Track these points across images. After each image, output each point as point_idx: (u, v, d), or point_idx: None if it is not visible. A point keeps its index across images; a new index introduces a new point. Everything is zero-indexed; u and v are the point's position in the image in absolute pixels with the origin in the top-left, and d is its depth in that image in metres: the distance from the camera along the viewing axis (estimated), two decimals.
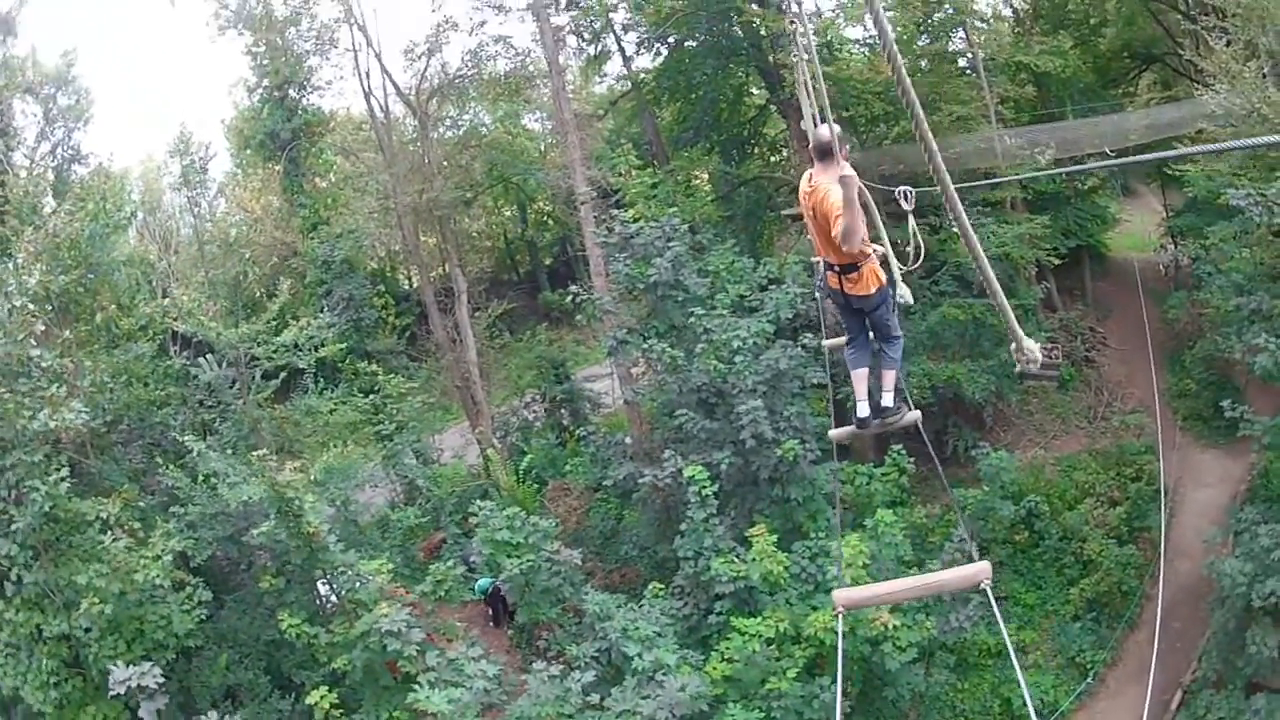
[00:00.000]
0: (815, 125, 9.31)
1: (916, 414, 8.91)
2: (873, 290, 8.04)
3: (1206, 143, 29.32)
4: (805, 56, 11.57)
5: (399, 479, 33.67)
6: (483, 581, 28.42)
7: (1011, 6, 47.01)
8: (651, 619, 22.35)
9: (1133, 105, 47.44)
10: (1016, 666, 5.78)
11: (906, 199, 9.06)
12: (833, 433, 9.93)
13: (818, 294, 9.08)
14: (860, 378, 8.80)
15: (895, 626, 21.60)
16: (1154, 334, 38.99)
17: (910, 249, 9.33)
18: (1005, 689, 26.63)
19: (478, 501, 25.71)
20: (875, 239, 8.19)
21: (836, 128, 7.55)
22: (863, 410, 8.75)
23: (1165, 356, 38.31)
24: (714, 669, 21.31)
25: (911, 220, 9.20)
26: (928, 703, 25.44)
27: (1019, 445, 34.33)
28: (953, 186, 5.28)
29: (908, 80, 2.70)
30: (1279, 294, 24.68)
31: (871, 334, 8.70)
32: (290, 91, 42.83)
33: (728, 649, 21.45)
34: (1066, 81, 41.00)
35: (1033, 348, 8.99)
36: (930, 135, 3.83)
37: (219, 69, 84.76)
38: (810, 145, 7.90)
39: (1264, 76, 25.03)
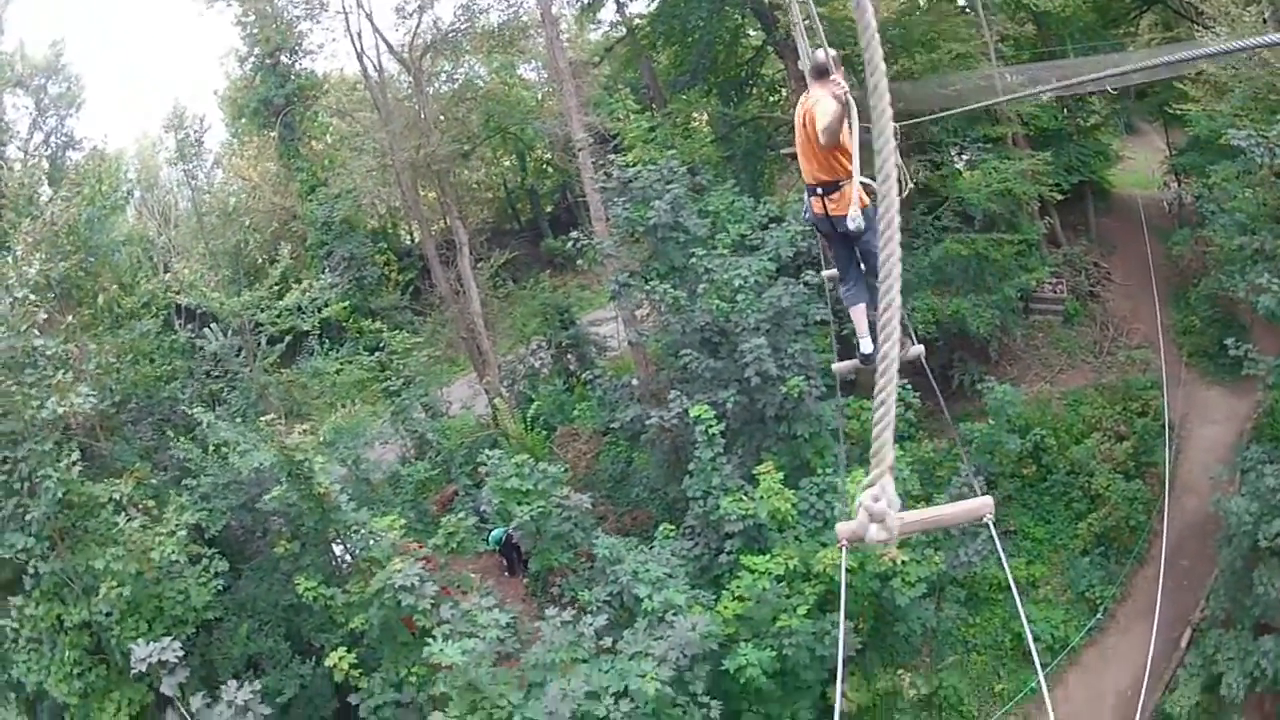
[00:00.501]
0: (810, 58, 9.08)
1: (920, 348, 8.79)
2: (855, 210, 7.91)
3: (1207, 85, 29.26)
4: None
5: (408, 434, 33.80)
6: (496, 531, 28.54)
7: None
8: (662, 560, 22.33)
9: (1133, 45, 47.15)
10: (1018, 599, 5.89)
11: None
12: (836, 366, 9.94)
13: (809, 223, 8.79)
14: (859, 313, 8.77)
15: (904, 562, 21.63)
16: (1158, 270, 38.98)
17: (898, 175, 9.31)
18: (1016, 623, 26.86)
19: (486, 451, 25.76)
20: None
21: (832, 51, 7.83)
22: (865, 346, 8.73)
23: (1170, 293, 38.36)
24: (725, 608, 21.38)
25: (895, 153, 9.14)
26: (940, 637, 25.59)
27: (1025, 379, 34.38)
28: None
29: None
30: None
31: (863, 266, 8.57)
32: (282, 58, 43.07)
33: (738, 588, 21.47)
34: (1066, 20, 40.77)
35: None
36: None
37: (209, 42, 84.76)
38: (808, 68, 8.05)
39: (1265, 21, 25.10)
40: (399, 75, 40.38)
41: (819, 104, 7.53)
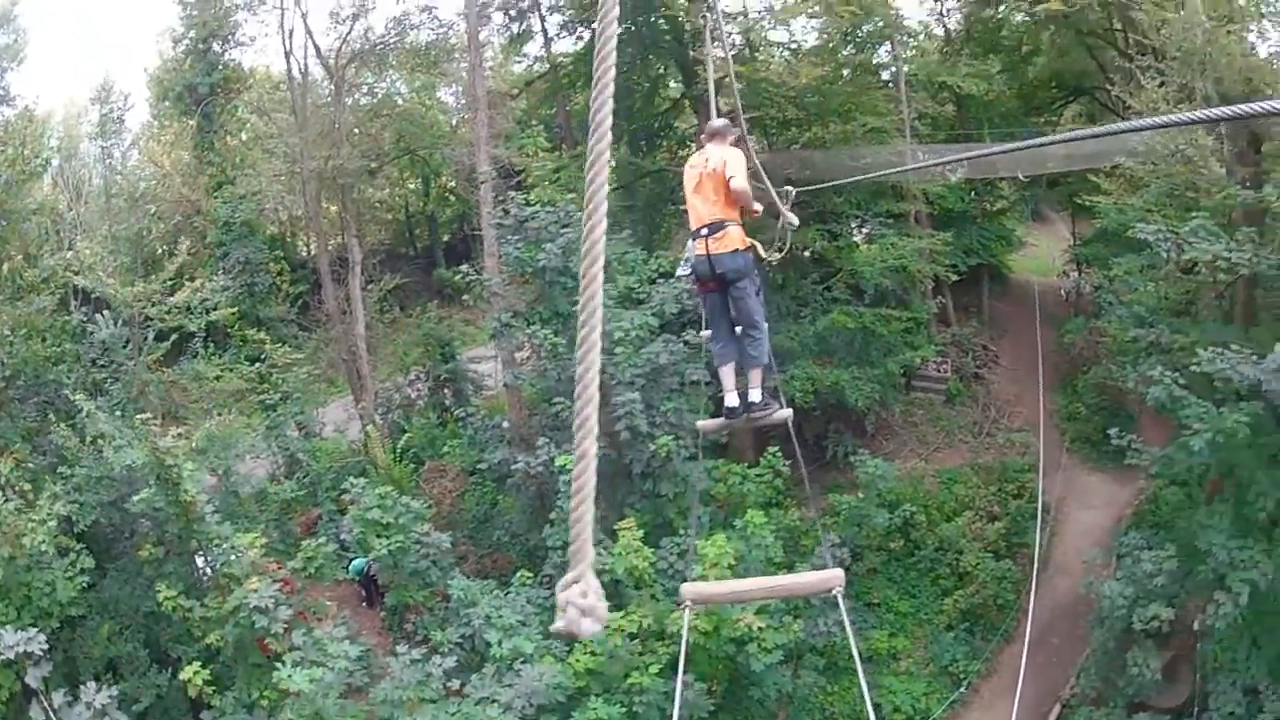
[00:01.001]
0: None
1: (788, 412, 8.95)
2: (736, 248, 8.31)
3: (1121, 179, 29.77)
4: (719, 49, 12.43)
5: (280, 451, 33.10)
6: (357, 561, 27.99)
7: (945, 26, 47.40)
8: (517, 607, 22.23)
9: (1054, 134, 48.08)
10: (860, 671, 5.87)
11: (784, 197, 9.94)
12: (701, 423, 9.99)
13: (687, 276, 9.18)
14: (727, 371, 9.00)
15: (760, 628, 21.50)
16: (1048, 357, 39.47)
17: (780, 235, 10.03)
18: (876, 694, 26.75)
19: (350, 479, 25.43)
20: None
21: (724, 120, 8.81)
22: (731, 400, 8.94)
23: (1058, 379, 38.88)
24: (577, 661, 21.14)
25: (787, 214, 9.82)
26: (796, 704, 25.47)
27: (900, 455, 34.62)
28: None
29: None
30: (1180, 329, 25.14)
31: (735, 318, 8.83)
32: (214, 45, 42.03)
33: (591, 642, 21.08)
34: (989, 105, 41.42)
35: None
36: None
37: (157, 15, 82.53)
38: (707, 129, 8.78)
39: None
40: (322, 81, 39.79)
41: (731, 156, 8.31)
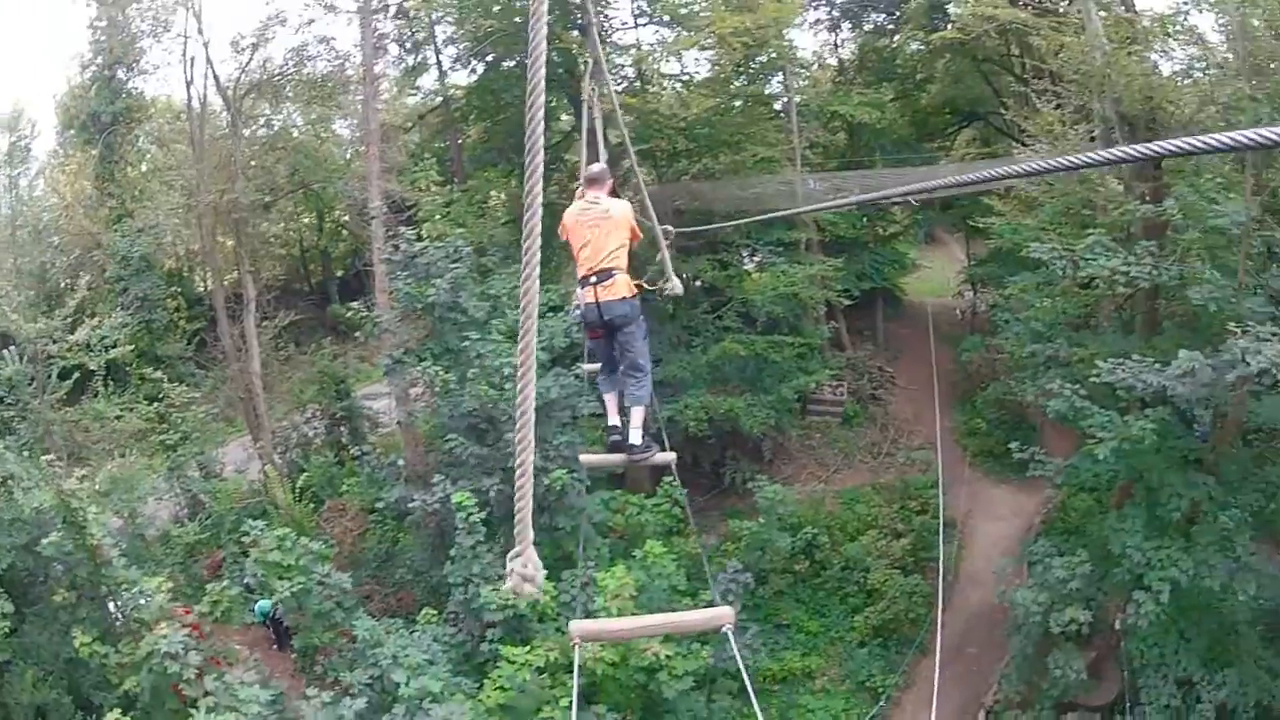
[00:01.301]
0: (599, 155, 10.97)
1: (670, 456, 9.07)
2: (624, 296, 8.53)
3: (1015, 200, 30.26)
4: (600, 93, 12.94)
5: (183, 492, 32.68)
6: (262, 604, 27.42)
7: (838, 57, 48.14)
8: (423, 646, 21.97)
9: (947, 159, 48.80)
10: (751, 693, 5.84)
11: (666, 235, 10.51)
12: (584, 457, 10.58)
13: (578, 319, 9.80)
14: (611, 402, 9.15)
15: (668, 656, 21.54)
16: (945, 375, 40.15)
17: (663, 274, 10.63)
18: (793, 713, 27.10)
19: (249, 521, 25.06)
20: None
21: (602, 165, 9.32)
22: (615, 436, 9.10)
23: (956, 397, 39.50)
24: (488, 697, 20.90)
25: (665, 252, 10.49)
26: None
27: (799, 478, 34.94)
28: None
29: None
30: (1079, 342, 25.61)
31: (619, 359, 9.03)
32: (119, 72, 41.19)
33: (499, 678, 21.06)
34: (880, 132, 42.01)
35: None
36: None
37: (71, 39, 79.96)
38: (587, 174, 9.09)
39: (1092, 139, 25.85)
40: (220, 112, 39.28)
41: (616, 204, 8.66)
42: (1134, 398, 21.02)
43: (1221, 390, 19.93)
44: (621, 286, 8.53)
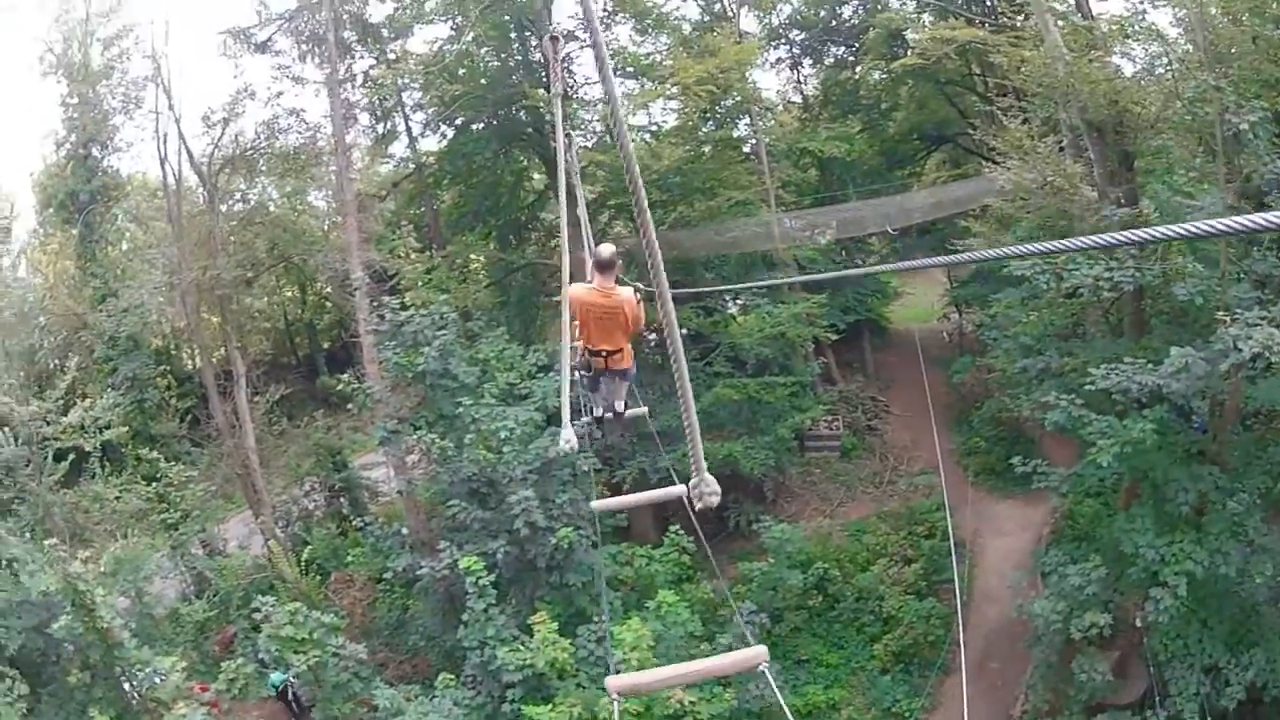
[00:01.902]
0: (588, 243, 11.53)
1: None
2: (631, 364, 9.62)
3: (991, 220, 29.99)
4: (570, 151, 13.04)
5: (188, 570, 32.23)
6: (274, 677, 27.00)
7: (802, 93, 48.35)
8: (444, 711, 21.87)
9: (919, 185, 48.95)
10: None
11: (636, 290, 10.36)
12: (595, 503, 10.36)
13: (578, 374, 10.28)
14: (599, 398, 10.05)
15: (692, 702, 21.42)
16: (938, 398, 40.00)
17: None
18: None
19: (258, 597, 24.68)
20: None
21: (614, 246, 9.49)
22: (599, 411, 10.07)
23: (952, 419, 39.38)
24: None
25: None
26: None
27: (803, 515, 34.75)
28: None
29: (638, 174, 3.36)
30: (1068, 352, 25.44)
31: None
32: (94, 150, 41.04)
33: None
34: (850, 164, 42.07)
35: (712, 484, 9.80)
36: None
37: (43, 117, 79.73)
38: (594, 260, 9.14)
39: (1060, 149, 25.78)
40: (196, 188, 39.14)
41: (627, 300, 9.09)
42: (1131, 400, 20.95)
43: (1216, 380, 19.97)
44: (628, 358, 9.46)
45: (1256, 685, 21.80)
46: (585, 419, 10.33)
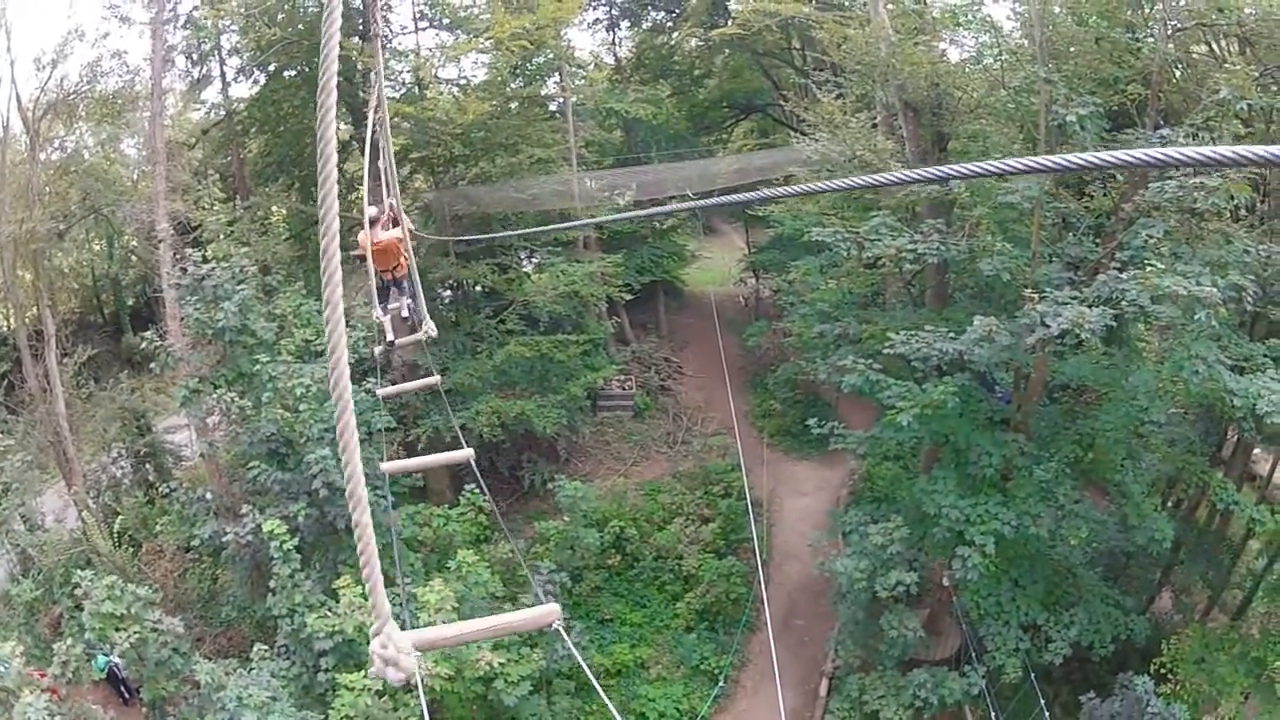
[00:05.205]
0: (396, 196, 13.31)
1: (468, 451, 9.54)
2: (404, 272, 13.14)
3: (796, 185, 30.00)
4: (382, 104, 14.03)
5: (12, 548, 29.28)
6: (99, 659, 24.68)
7: (615, 55, 47.84)
8: (263, 683, 20.64)
9: (724, 151, 49.14)
10: (595, 683, 5.51)
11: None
12: (384, 465, 10.31)
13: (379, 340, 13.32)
14: (387, 321, 13.12)
15: (501, 664, 20.98)
16: (733, 361, 40.03)
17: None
18: (636, 704, 26.45)
19: (78, 571, 23.00)
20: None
21: (374, 209, 13.34)
22: (389, 335, 13.11)
23: (746, 381, 39.45)
24: None
25: (428, 323, 12.70)
26: None
27: (598, 474, 34.26)
28: None
29: None
30: (867, 320, 25.51)
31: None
32: None
33: (342, 706, 19.98)
34: (657, 128, 41.79)
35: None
36: None
37: None
38: (368, 219, 13.07)
39: (874, 126, 25.77)
40: (20, 136, 35.81)
41: (392, 239, 13.02)
42: (930, 367, 20.90)
43: (1021, 353, 20.11)
44: (402, 269, 13.13)
45: (1082, 645, 22.32)
46: (382, 345, 13.30)
